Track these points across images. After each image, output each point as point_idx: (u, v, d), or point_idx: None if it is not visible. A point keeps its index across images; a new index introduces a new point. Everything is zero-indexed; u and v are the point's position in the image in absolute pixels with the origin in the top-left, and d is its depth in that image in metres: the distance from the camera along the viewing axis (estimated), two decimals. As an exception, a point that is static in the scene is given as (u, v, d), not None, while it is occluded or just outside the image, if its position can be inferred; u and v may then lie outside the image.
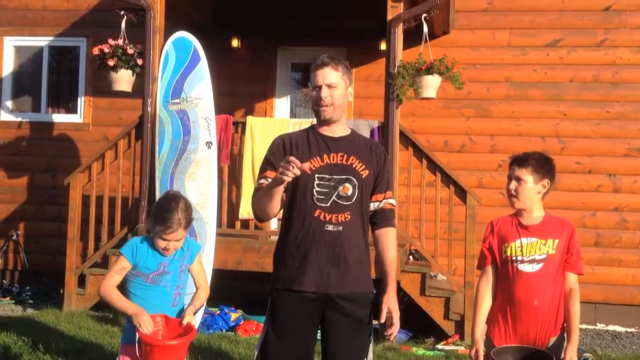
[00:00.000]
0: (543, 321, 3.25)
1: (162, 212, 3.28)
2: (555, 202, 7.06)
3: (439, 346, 6.22)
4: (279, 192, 3.01)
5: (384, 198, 3.25)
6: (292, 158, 2.82)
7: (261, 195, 3.11)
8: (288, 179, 2.83)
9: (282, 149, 3.18)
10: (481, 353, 3.24)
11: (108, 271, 3.41)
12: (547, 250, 3.26)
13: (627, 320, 7.73)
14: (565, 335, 3.28)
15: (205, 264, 6.43)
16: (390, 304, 3.09)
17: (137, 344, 3.15)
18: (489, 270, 3.39)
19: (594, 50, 8.02)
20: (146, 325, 3.14)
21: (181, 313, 3.34)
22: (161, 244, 3.28)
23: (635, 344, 7.04)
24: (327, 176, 3.12)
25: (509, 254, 3.30)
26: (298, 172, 2.81)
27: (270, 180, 3.06)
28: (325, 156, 3.15)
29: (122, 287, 3.37)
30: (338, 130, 3.22)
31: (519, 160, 3.37)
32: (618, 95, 7.96)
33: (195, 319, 3.31)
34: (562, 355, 3.19)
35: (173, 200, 3.33)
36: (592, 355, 5.89)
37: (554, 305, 3.26)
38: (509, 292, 3.30)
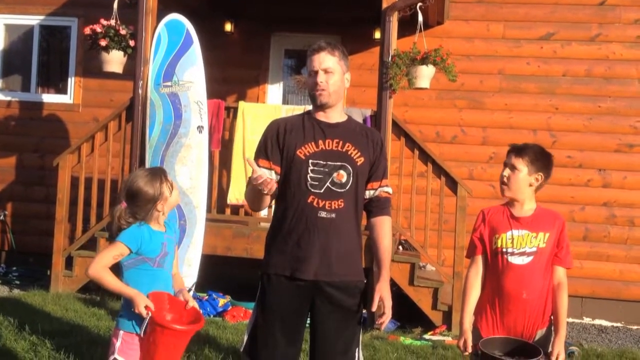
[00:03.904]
0: (531, 314, 3.24)
1: (154, 189, 3.13)
2: (544, 195, 7.00)
3: (427, 336, 6.23)
4: (263, 195, 3.00)
5: (380, 186, 3.22)
6: (255, 176, 2.87)
7: (249, 190, 3.12)
8: (265, 191, 2.90)
9: (275, 136, 3.15)
10: (469, 343, 3.23)
11: (99, 253, 3.16)
12: (537, 244, 3.25)
13: (613, 315, 7.78)
14: (552, 328, 3.27)
15: (194, 249, 6.49)
16: (383, 292, 3.06)
17: (143, 329, 2.99)
18: (479, 260, 3.37)
19: (588, 44, 8.02)
20: (149, 306, 2.97)
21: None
22: (166, 208, 3.18)
23: (621, 338, 7.08)
24: (321, 162, 3.09)
25: (499, 245, 3.29)
26: (273, 185, 2.90)
27: (262, 169, 3.02)
28: (320, 142, 3.11)
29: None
30: (334, 116, 3.18)
31: (517, 150, 3.35)
32: (610, 90, 7.96)
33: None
34: (550, 349, 3.19)
35: (150, 173, 3.19)
36: (578, 349, 5.92)
37: (542, 298, 3.25)
38: (498, 283, 3.28)
